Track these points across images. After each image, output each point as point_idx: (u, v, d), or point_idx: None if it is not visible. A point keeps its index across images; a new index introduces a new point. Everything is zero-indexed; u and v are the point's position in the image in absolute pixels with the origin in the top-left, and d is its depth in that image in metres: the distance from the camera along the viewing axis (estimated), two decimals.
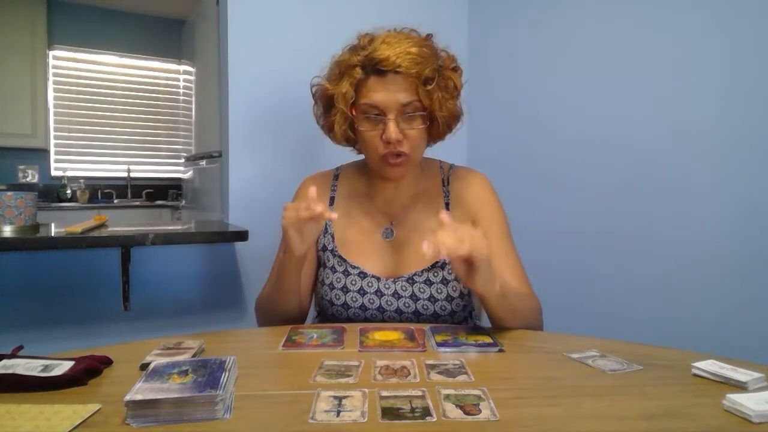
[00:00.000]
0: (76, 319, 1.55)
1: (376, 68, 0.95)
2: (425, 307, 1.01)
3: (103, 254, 1.58)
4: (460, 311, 1.04)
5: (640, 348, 0.82)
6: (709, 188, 1.33)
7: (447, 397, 0.61)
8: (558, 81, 1.77)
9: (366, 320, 1.02)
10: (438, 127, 1.03)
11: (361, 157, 1.14)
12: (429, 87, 0.97)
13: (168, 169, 4.38)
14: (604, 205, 1.60)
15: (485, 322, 1.19)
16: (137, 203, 4.06)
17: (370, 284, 1.02)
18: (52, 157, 3.99)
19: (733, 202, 1.28)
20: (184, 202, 3.38)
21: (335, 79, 1.01)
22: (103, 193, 4.17)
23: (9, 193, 1.34)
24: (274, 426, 0.56)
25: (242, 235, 1.55)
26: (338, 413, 0.57)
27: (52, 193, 3.92)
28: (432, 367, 0.71)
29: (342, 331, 0.89)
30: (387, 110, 0.96)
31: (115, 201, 4.12)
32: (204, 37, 2.46)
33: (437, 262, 1.01)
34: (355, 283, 1.02)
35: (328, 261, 1.06)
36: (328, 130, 1.07)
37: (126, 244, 1.52)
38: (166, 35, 4.20)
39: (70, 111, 4.04)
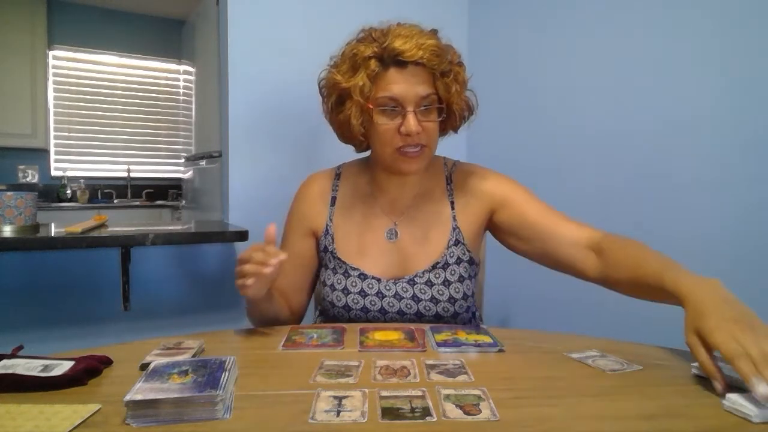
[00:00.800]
0: (76, 319, 1.55)
1: (395, 60, 0.93)
2: (427, 308, 1.00)
3: (103, 254, 1.58)
4: (464, 313, 1.03)
5: (640, 348, 0.82)
6: (709, 187, 1.33)
7: (447, 397, 0.61)
8: (558, 80, 1.77)
9: (368, 322, 1.01)
10: (454, 119, 1.02)
11: (362, 155, 1.14)
12: (447, 79, 0.96)
13: (168, 169, 4.38)
14: (604, 204, 1.60)
15: (487, 322, 1.19)
16: (137, 203, 4.06)
17: (370, 286, 1.01)
18: (52, 157, 3.99)
19: (734, 201, 1.28)
20: (184, 202, 3.38)
21: (348, 71, 0.96)
22: (103, 193, 4.17)
23: (9, 193, 1.34)
24: (274, 426, 0.55)
25: (242, 235, 1.55)
26: (338, 413, 0.57)
27: (52, 193, 3.92)
28: (432, 367, 0.71)
29: (342, 331, 0.89)
30: (406, 102, 0.93)
31: (115, 201, 4.12)
32: (204, 37, 2.46)
33: (438, 263, 1.01)
34: (356, 285, 1.02)
35: (329, 263, 1.06)
36: (340, 124, 1.02)
37: (126, 244, 1.53)
38: (166, 35, 4.20)
39: (70, 111, 4.04)
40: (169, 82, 4.33)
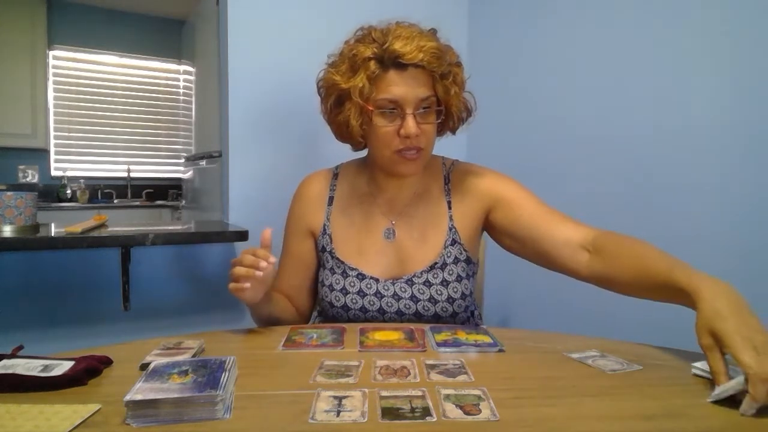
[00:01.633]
0: (76, 319, 1.55)
1: (396, 62, 0.92)
2: (426, 308, 1.00)
3: (103, 254, 1.58)
4: (462, 312, 1.03)
5: (640, 348, 0.82)
6: (710, 186, 1.33)
7: (447, 397, 0.61)
8: (558, 80, 1.77)
9: (366, 322, 1.01)
10: (452, 121, 1.02)
11: (361, 155, 1.13)
12: (446, 81, 0.96)
13: (168, 169, 4.38)
14: (604, 204, 1.60)
15: (487, 322, 1.19)
16: (137, 203, 4.06)
17: (368, 286, 1.01)
18: (52, 157, 3.99)
19: (735, 201, 1.28)
20: (184, 202, 3.38)
21: (347, 72, 0.96)
22: (103, 193, 4.17)
23: (9, 193, 1.34)
24: (274, 426, 0.55)
25: (242, 235, 1.55)
26: (338, 413, 0.57)
27: (52, 193, 3.92)
28: (432, 367, 0.71)
29: (342, 331, 0.89)
30: (406, 105, 0.93)
31: (115, 201, 4.12)
32: (204, 37, 2.46)
33: (436, 263, 1.01)
34: (354, 285, 1.02)
35: (327, 262, 1.06)
36: (339, 125, 1.01)
37: (126, 244, 1.53)
38: (166, 35, 4.20)
39: (70, 111, 4.04)
40: (169, 82, 4.33)
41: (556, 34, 1.78)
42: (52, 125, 3.95)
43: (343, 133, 1.03)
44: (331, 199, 1.09)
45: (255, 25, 1.76)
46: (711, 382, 0.67)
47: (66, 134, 4.04)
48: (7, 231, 1.33)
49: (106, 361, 0.72)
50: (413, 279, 1.01)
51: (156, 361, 0.67)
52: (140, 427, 0.54)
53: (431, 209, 1.06)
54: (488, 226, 1.07)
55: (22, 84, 3.64)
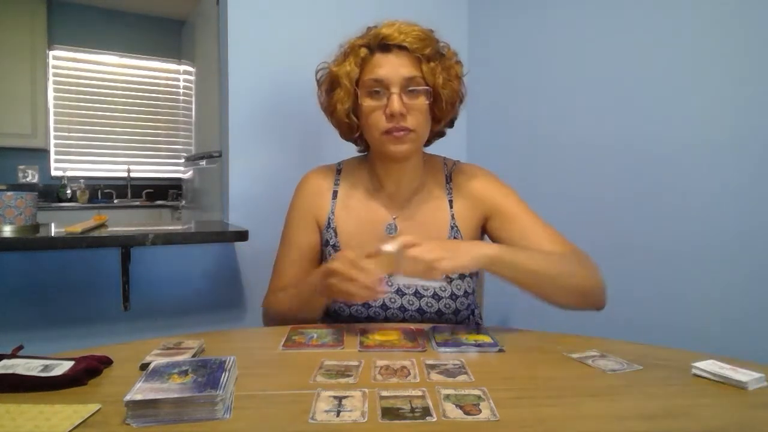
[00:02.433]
0: (76, 319, 1.55)
1: (381, 44, 0.98)
2: (429, 304, 1.01)
3: (103, 254, 1.58)
4: (464, 309, 1.04)
5: (640, 348, 0.82)
6: (711, 190, 1.33)
7: (447, 397, 0.61)
8: (559, 80, 1.77)
9: (369, 318, 1.02)
10: (442, 106, 1.02)
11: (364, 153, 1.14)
12: (432, 64, 0.98)
13: (168, 169, 4.38)
14: (605, 205, 1.60)
15: (487, 322, 1.19)
16: (137, 203, 4.06)
17: None
18: (52, 157, 3.99)
19: (736, 206, 1.28)
20: (184, 202, 3.38)
21: (340, 61, 1.02)
22: (103, 193, 4.17)
23: (9, 193, 1.34)
24: (274, 426, 0.56)
25: (242, 235, 1.55)
26: (338, 413, 0.57)
27: (52, 193, 3.92)
28: (432, 367, 0.71)
29: (342, 331, 0.89)
30: (390, 84, 0.96)
31: (115, 201, 4.12)
32: (204, 37, 2.46)
33: None
34: None
35: (330, 256, 1.06)
36: (331, 112, 1.06)
37: (126, 244, 1.52)
38: (166, 35, 4.20)
39: (70, 111, 4.04)
40: (169, 82, 4.33)
41: (556, 33, 1.78)
42: (52, 125, 3.95)
43: (338, 122, 1.06)
44: (335, 194, 1.10)
45: (255, 25, 1.76)
46: (710, 381, 0.67)
47: (66, 134, 4.04)
48: (7, 231, 1.33)
49: (106, 361, 0.72)
50: None
51: (156, 361, 0.67)
52: (140, 427, 0.54)
53: (433, 206, 1.07)
54: (486, 232, 1.09)
55: (22, 84, 3.63)
